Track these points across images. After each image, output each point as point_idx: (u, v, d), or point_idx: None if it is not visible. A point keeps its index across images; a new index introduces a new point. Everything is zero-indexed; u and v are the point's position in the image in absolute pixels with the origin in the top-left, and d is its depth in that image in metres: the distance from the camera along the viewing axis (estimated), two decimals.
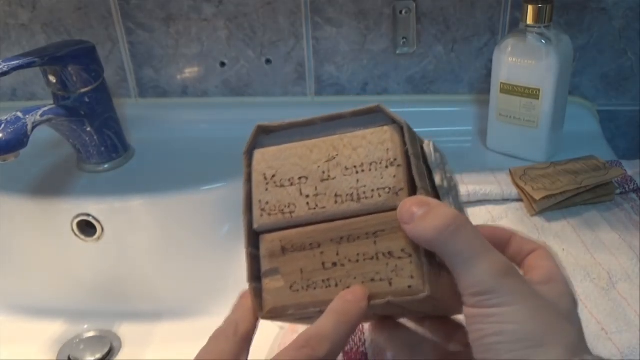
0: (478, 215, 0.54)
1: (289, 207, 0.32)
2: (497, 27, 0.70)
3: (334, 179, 0.31)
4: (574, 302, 0.29)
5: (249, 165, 0.34)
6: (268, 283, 0.32)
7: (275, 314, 0.32)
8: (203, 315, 0.62)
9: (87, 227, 0.65)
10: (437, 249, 0.28)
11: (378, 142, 0.31)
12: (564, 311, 0.28)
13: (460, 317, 0.33)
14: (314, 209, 0.31)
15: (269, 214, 0.32)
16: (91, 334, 0.63)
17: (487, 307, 0.27)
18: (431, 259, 0.29)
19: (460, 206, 0.32)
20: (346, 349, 0.43)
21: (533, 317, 0.27)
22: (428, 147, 0.32)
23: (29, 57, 0.59)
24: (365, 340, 0.43)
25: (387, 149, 0.31)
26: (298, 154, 0.33)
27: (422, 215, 0.28)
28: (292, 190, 0.32)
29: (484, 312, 0.27)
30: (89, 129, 0.66)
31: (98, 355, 0.59)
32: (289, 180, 0.32)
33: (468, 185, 0.56)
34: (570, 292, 0.30)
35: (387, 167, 0.31)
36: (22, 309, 0.66)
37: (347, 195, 0.31)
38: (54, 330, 0.63)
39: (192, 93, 0.78)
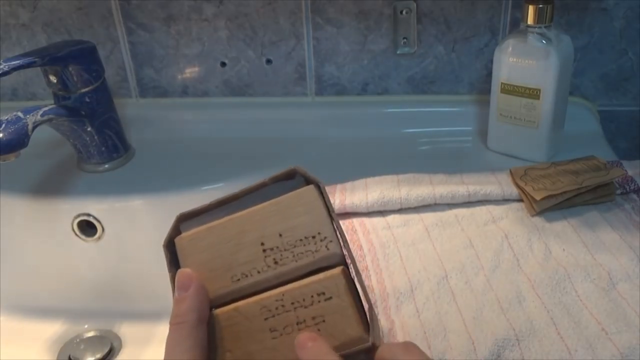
0: (478, 216, 0.54)
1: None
2: (497, 27, 0.70)
3: (271, 248, 0.33)
4: None
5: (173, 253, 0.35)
6: None
7: None
8: None
9: (87, 227, 0.65)
10: None
11: (299, 205, 0.33)
12: None
13: None
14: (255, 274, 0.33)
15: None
16: (91, 334, 0.63)
17: None
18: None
19: (342, 231, 0.33)
20: None
21: None
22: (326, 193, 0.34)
23: (30, 57, 0.59)
24: None
25: (309, 211, 0.33)
26: (225, 232, 0.34)
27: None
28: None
29: None
30: (89, 128, 0.66)
31: (98, 355, 0.59)
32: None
33: (468, 186, 0.56)
34: None
35: (314, 236, 0.32)
36: (22, 309, 0.66)
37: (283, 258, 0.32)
38: (54, 330, 0.63)
39: (192, 93, 0.78)
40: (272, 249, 0.32)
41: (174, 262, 0.34)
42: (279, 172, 0.34)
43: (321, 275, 0.32)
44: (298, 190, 0.33)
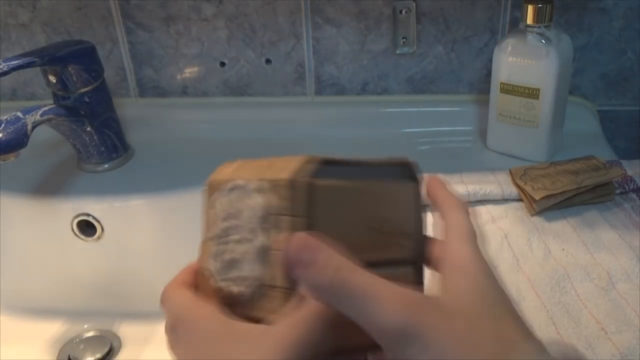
0: (478, 215, 0.54)
1: None
2: (497, 27, 0.70)
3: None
4: (482, 297, 0.26)
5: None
6: None
7: None
8: None
9: (87, 227, 0.65)
10: (331, 302, 0.25)
11: (403, 200, 0.33)
12: (473, 313, 0.25)
13: None
14: None
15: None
16: (91, 334, 0.63)
17: (409, 357, 0.23)
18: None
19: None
20: None
21: (458, 349, 0.23)
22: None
23: (29, 57, 0.59)
24: None
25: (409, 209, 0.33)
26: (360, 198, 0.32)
27: (307, 264, 0.25)
28: None
29: None
30: (89, 128, 0.66)
31: (98, 355, 0.59)
32: None
33: (468, 185, 0.56)
34: (478, 285, 0.27)
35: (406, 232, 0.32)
36: (22, 309, 0.66)
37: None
38: (54, 330, 0.63)
39: (192, 93, 0.78)
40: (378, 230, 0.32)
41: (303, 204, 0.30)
42: (394, 159, 0.34)
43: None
44: (410, 184, 0.34)
